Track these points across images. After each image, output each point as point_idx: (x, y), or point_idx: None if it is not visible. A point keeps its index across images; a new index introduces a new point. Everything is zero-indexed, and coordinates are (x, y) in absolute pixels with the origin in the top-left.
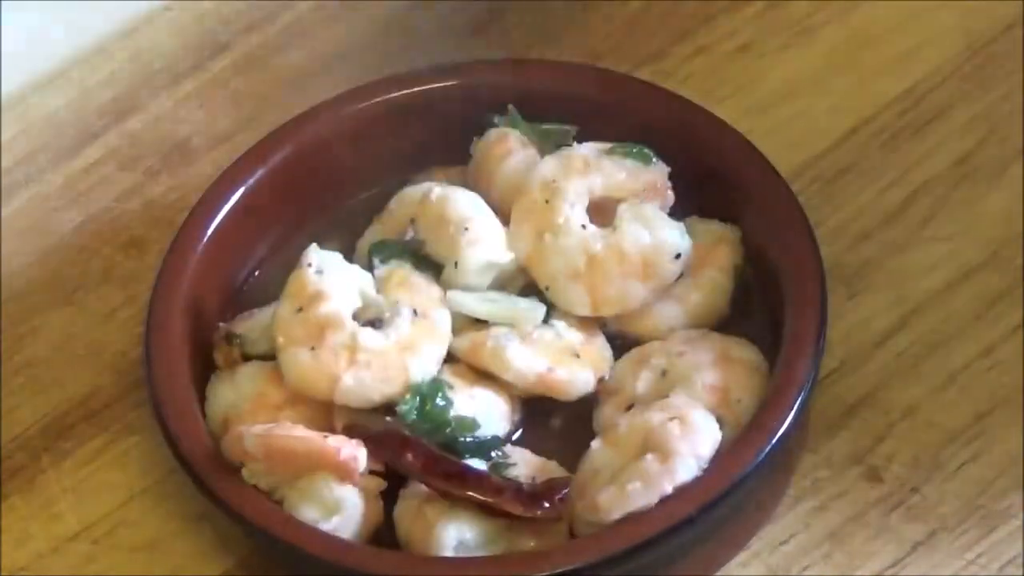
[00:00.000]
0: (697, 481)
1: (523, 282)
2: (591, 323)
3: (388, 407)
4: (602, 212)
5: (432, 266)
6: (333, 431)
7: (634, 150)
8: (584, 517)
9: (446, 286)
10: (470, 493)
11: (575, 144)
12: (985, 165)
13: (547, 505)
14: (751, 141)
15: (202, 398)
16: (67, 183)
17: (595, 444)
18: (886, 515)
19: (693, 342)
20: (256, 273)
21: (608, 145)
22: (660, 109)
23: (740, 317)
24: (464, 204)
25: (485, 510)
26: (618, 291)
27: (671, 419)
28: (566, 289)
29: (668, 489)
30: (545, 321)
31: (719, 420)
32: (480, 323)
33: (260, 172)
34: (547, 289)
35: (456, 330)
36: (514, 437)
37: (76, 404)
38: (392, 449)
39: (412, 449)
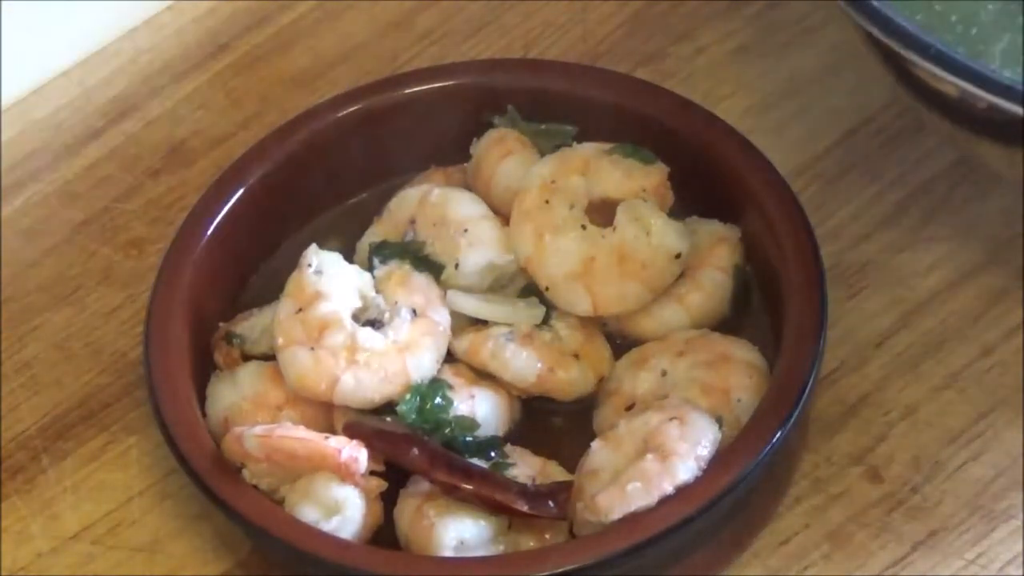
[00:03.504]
0: (697, 481)
1: (523, 283)
2: (591, 323)
3: (388, 407)
4: (602, 212)
5: (432, 266)
6: (333, 431)
7: (634, 150)
8: (584, 517)
9: (446, 286)
10: (475, 489)
11: (575, 144)
12: (985, 165)
13: (552, 505)
14: (751, 141)
15: (202, 398)
16: (67, 183)
17: (595, 444)
18: (886, 515)
19: (693, 342)
20: (256, 273)
21: (608, 145)
22: (660, 109)
23: (740, 317)
24: (464, 205)
25: (489, 507)
26: (618, 291)
27: (671, 419)
28: (566, 290)
29: (668, 489)
30: (545, 321)
31: (719, 420)
32: (480, 323)
33: (260, 172)
34: (547, 290)
35: (456, 330)
36: (514, 437)
37: (76, 404)
38: (397, 445)
39: (417, 445)
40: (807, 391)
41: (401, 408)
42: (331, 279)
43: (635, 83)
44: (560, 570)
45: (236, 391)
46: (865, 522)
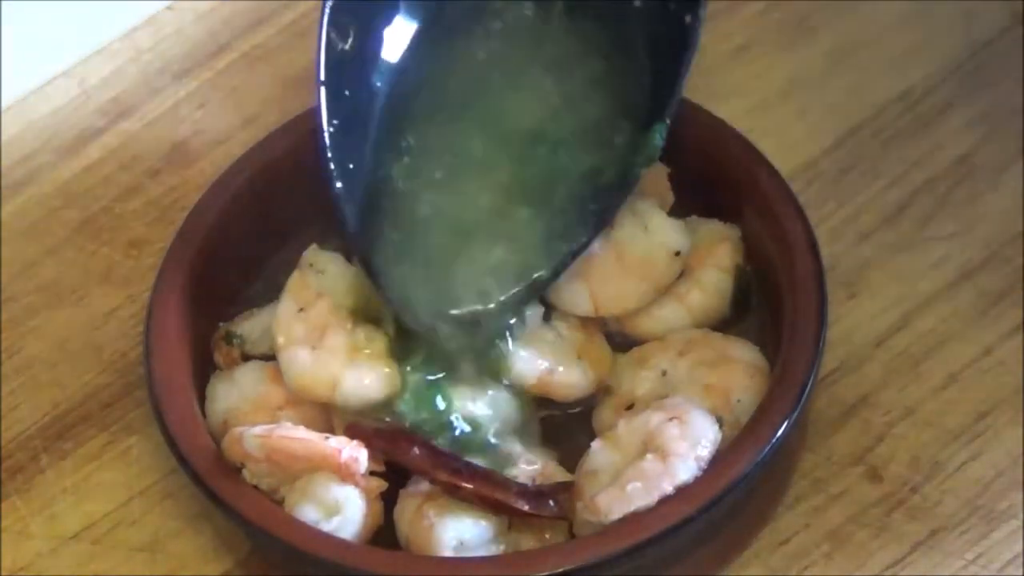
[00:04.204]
0: (697, 481)
1: None
2: (591, 323)
3: (388, 407)
4: None
5: None
6: (333, 431)
7: None
8: (584, 517)
9: None
10: (476, 489)
11: None
12: (985, 165)
13: (552, 504)
14: (751, 141)
15: (202, 398)
16: (67, 183)
17: (595, 444)
18: (886, 515)
19: (693, 342)
20: (256, 273)
21: None
22: None
23: (740, 317)
24: None
25: (490, 506)
26: (618, 291)
27: (671, 419)
28: (566, 289)
29: (668, 489)
30: (545, 321)
31: (719, 420)
32: None
33: (260, 172)
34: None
35: None
36: (514, 437)
37: (76, 404)
38: (397, 445)
39: (418, 444)
40: (807, 391)
41: (401, 408)
42: (331, 279)
43: None
44: (560, 570)
45: (236, 391)
46: (865, 522)
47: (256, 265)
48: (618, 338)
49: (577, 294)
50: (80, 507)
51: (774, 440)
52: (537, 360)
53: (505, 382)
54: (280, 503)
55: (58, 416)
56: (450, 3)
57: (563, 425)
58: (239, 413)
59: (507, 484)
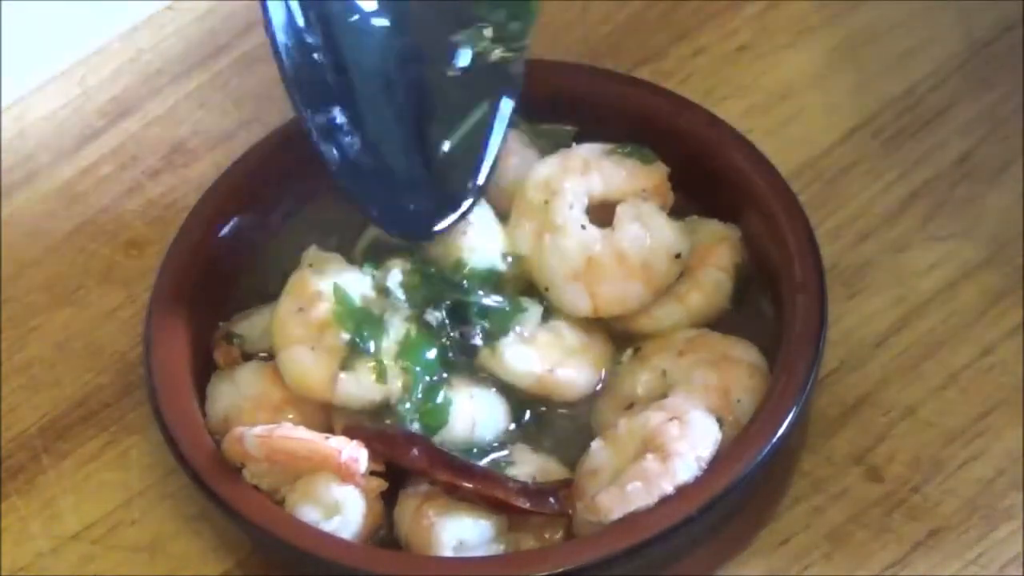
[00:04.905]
0: (697, 481)
1: (523, 282)
2: (591, 323)
3: (387, 407)
4: (602, 212)
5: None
6: (333, 431)
7: (634, 150)
8: (584, 517)
9: None
10: (476, 488)
11: (575, 144)
12: (985, 165)
13: (553, 502)
14: (751, 141)
15: (202, 398)
16: (67, 183)
17: (595, 444)
18: (886, 515)
19: (693, 342)
20: (255, 273)
21: (608, 145)
22: (660, 109)
23: (740, 317)
24: None
25: (490, 505)
26: (618, 292)
27: (671, 419)
28: (566, 290)
29: (668, 489)
30: (545, 321)
31: (719, 420)
32: None
33: (260, 172)
34: (547, 290)
35: None
36: (514, 437)
37: (76, 404)
38: (397, 445)
39: (417, 445)
40: (807, 391)
41: (400, 408)
42: (331, 279)
43: (635, 83)
44: (560, 570)
45: (236, 391)
46: (865, 522)
47: (255, 265)
48: (618, 338)
49: (577, 294)
50: (80, 507)
51: (774, 440)
52: (537, 360)
53: (504, 382)
54: (280, 503)
55: (58, 416)
56: None
57: (563, 425)
58: (239, 413)
59: (507, 482)
